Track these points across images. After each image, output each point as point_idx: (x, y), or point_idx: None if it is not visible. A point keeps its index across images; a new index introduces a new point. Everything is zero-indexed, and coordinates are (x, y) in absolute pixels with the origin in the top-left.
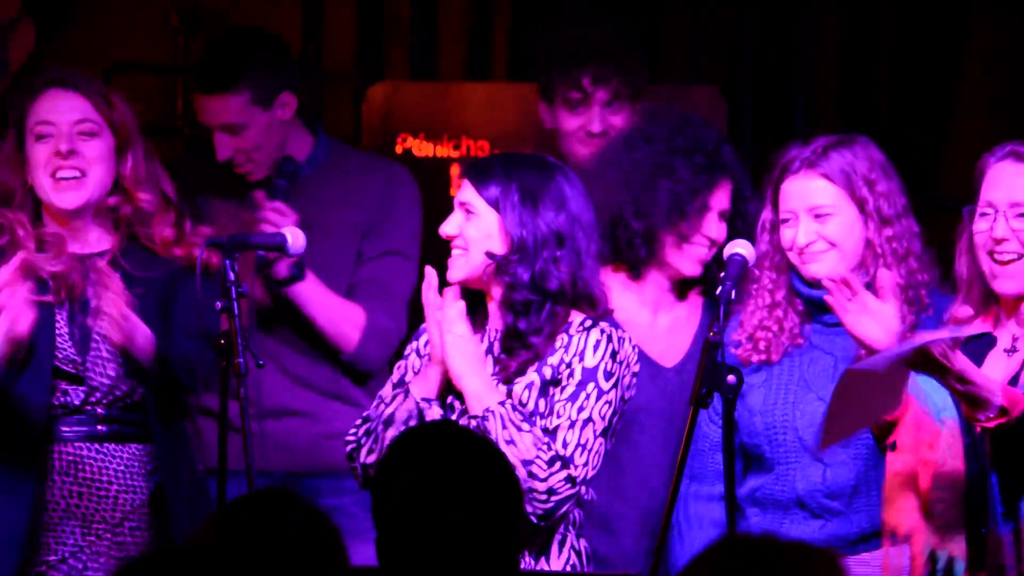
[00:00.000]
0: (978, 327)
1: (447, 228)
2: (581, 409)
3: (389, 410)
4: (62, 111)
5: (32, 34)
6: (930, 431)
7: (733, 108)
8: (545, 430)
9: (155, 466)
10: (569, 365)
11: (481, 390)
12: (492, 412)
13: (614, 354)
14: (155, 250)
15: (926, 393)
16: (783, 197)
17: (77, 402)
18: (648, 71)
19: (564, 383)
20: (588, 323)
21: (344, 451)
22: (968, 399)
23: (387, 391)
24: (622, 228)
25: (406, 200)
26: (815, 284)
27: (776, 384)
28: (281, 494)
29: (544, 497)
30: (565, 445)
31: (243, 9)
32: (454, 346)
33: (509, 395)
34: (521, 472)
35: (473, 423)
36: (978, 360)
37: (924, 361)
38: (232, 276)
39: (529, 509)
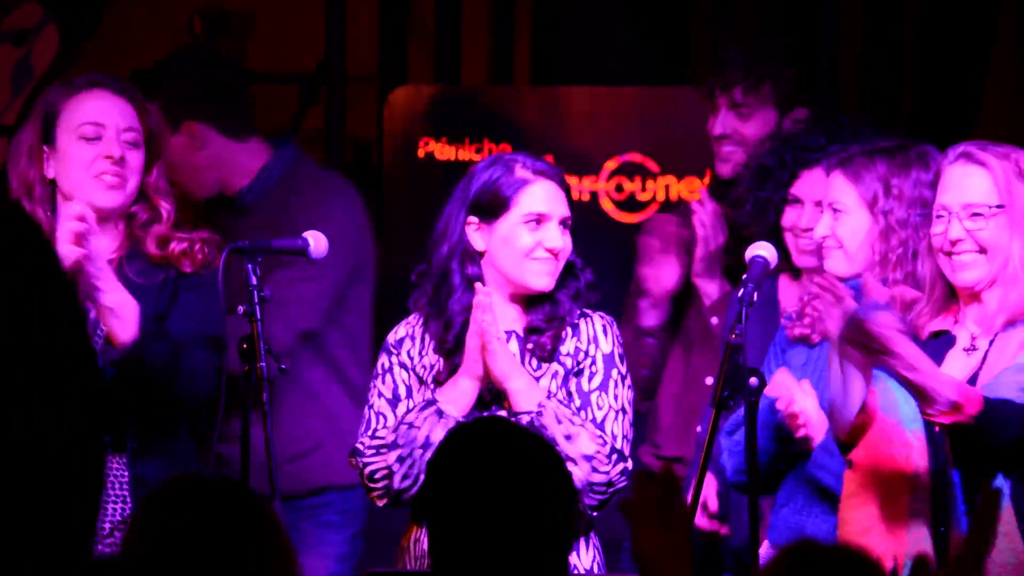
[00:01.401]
0: (938, 324)
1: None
2: (616, 398)
3: (423, 433)
4: (112, 115)
5: (56, 39)
6: (902, 442)
7: None
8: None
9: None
10: (587, 353)
11: (530, 387)
12: (545, 407)
13: (618, 339)
14: (153, 258)
15: (897, 404)
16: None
17: None
18: (800, 82)
19: (588, 372)
20: (582, 311)
21: (365, 477)
22: (917, 390)
23: (412, 415)
24: None
25: (338, 226)
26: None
27: (813, 368)
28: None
29: (603, 490)
30: (614, 437)
31: (266, 13)
32: (498, 351)
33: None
34: (584, 467)
35: (525, 420)
36: (938, 359)
37: (863, 338)
38: (254, 280)
39: (588, 502)
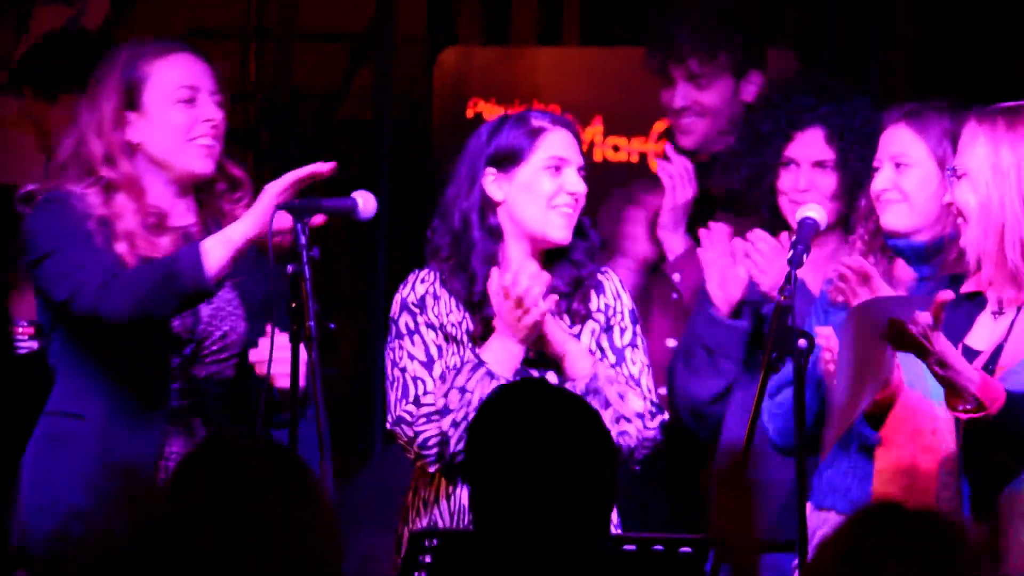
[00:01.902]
0: (972, 285)
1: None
2: (645, 352)
3: (477, 396)
4: (203, 78)
5: (107, 1)
6: (930, 417)
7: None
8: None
9: None
10: (616, 310)
11: (582, 353)
12: (598, 371)
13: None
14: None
15: (923, 376)
16: (880, 147)
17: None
18: (754, 54)
19: (618, 328)
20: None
21: (416, 444)
22: (948, 385)
23: (462, 378)
24: None
25: None
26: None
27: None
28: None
29: (651, 444)
30: (650, 391)
31: None
32: (547, 319)
33: None
34: (637, 424)
35: (581, 385)
36: (969, 321)
37: (901, 337)
38: (304, 240)
39: (638, 456)
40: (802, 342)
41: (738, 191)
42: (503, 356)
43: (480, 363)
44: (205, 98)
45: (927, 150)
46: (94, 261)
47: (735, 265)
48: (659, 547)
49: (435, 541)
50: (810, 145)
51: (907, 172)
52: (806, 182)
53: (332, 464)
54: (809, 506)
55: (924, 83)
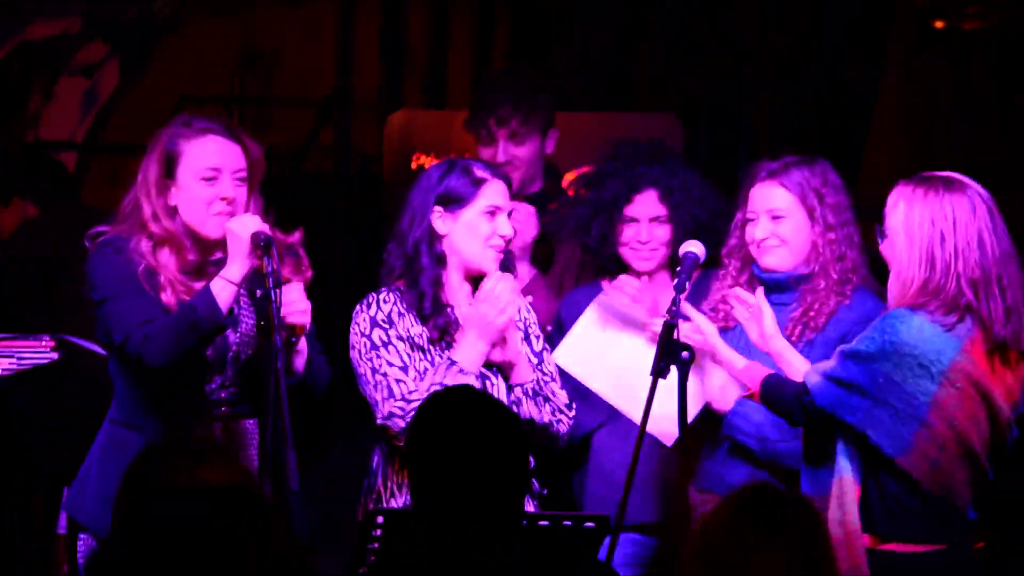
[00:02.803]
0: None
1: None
2: (550, 354)
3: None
4: (227, 158)
5: (117, 72)
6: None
7: (691, 132)
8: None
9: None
10: (529, 321)
11: (526, 360)
12: (539, 375)
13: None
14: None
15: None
16: (751, 200)
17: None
18: (552, 114)
19: (533, 336)
20: None
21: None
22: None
23: (439, 376)
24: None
25: None
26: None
27: (735, 346)
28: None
29: (568, 433)
30: (562, 387)
31: (289, 52)
32: (513, 335)
33: None
34: (567, 415)
35: (529, 387)
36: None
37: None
38: (270, 268)
39: (564, 440)
40: (684, 353)
41: (592, 248)
42: (472, 355)
43: (453, 362)
44: (226, 177)
45: (796, 201)
46: (142, 312)
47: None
48: (568, 523)
49: (382, 519)
50: (647, 204)
51: (782, 222)
52: (646, 234)
53: (296, 460)
54: (692, 489)
55: (779, 139)
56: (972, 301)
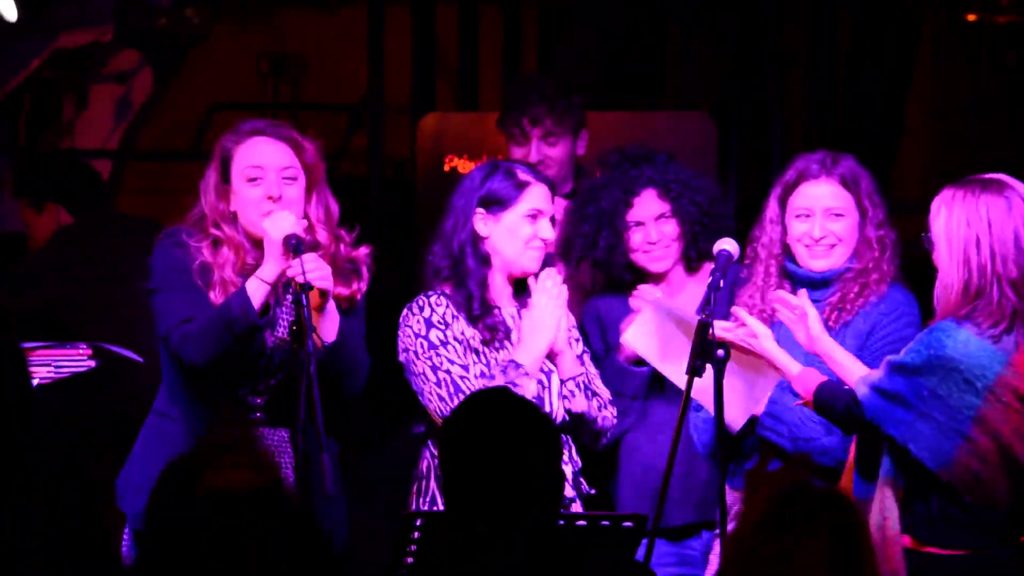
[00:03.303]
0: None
1: None
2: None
3: (522, 389)
4: (271, 157)
5: (150, 79)
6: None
7: (722, 129)
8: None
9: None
10: (570, 324)
11: (572, 354)
12: (586, 369)
13: None
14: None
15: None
16: (800, 197)
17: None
18: (584, 115)
19: (573, 339)
20: None
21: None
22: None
23: (511, 375)
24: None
25: None
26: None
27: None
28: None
29: (612, 429)
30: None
31: (319, 56)
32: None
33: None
34: (610, 410)
35: (578, 380)
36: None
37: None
38: (302, 270)
39: (611, 434)
40: (720, 352)
41: (601, 261)
42: (534, 355)
43: (517, 364)
44: (271, 176)
45: (853, 200)
46: (185, 310)
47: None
48: (606, 523)
49: (420, 521)
50: (649, 204)
51: (840, 220)
52: (655, 234)
53: (331, 463)
54: (728, 488)
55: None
56: (1016, 303)
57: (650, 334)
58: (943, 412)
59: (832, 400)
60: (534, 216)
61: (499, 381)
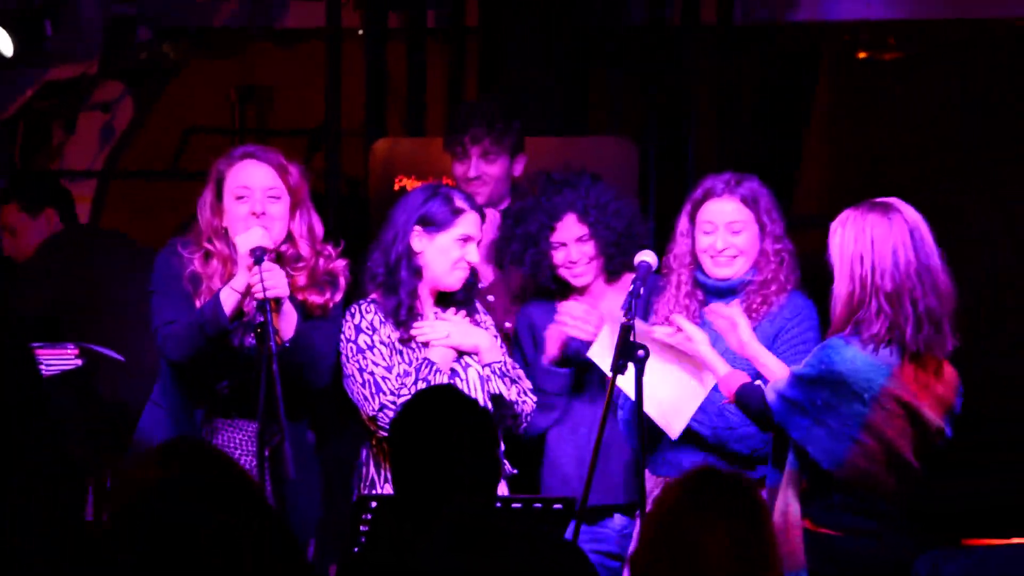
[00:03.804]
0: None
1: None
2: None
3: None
4: (256, 178)
5: (132, 107)
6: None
7: (642, 152)
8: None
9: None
10: (487, 324)
11: (492, 344)
12: (506, 357)
13: None
14: (292, 284)
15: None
16: (706, 213)
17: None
18: (522, 139)
19: (494, 335)
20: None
21: (377, 420)
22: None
23: (424, 374)
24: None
25: None
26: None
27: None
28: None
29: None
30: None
31: (282, 86)
32: (456, 326)
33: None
34: (531, 398)
35: (498, 368)
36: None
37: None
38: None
39: (527, 420)
40: (640, 352)
41: (528, 274)
42: (441, 355)
43: (431, 363)
44: (257, 194)
45: (751, 215)
46: (170, 313)
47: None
48: (538, 504)
49: (374, 504)
50: (569, 228)
51: (740, 234)
52: (576, 254)
53: (292, 453)
54: (648, 473)
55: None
56: (891, 315)
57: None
58: (835, 419)
59: (750, 400)
60: (464, 240)
61: (420, 376)
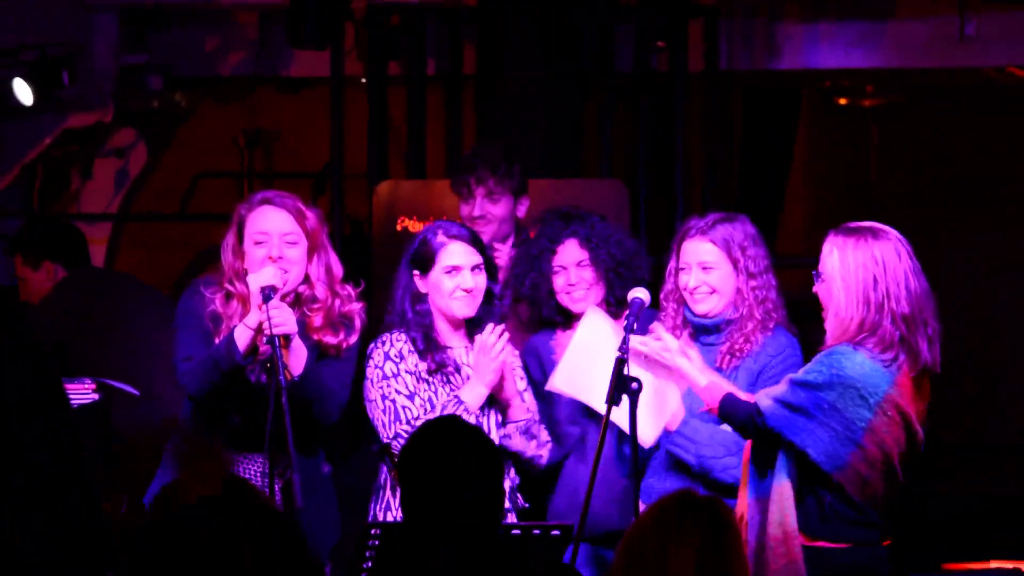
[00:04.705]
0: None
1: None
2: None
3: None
4: (274, 223)
5: (145, 153)
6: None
7: (633, 194)
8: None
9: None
10: (514, 365)
11: (521, 404)
12: (530, 416)
13: None
14: (311, 328)
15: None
16: (683, 253)
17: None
18: (525, 181)
19: (518, 377)
20: None
21: (390, 447)
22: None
23: (449, 408)
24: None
25: None
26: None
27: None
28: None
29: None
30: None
31: (288, 131)
32: (508, 374)
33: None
34: (545, 451)
35: (522, 425)
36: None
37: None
38: (269, 316)
39: (542, 469)
40: (634, 384)
41: (526, 296)
42: (474, 396)
43: (460, 401)
44: (275, 240)
45: (722, 254)
46: (189, 348)
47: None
48: (537, 531)
49: (377, 531)
50: (570, 252)
51: (711, 272)
52: (574, 277)
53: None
54: (641, 505)
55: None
56: (905, 333)
57: (573, 374)
58: (840, 423)
59: (734, 409)
60: (451, 271)
61: (438, 413)
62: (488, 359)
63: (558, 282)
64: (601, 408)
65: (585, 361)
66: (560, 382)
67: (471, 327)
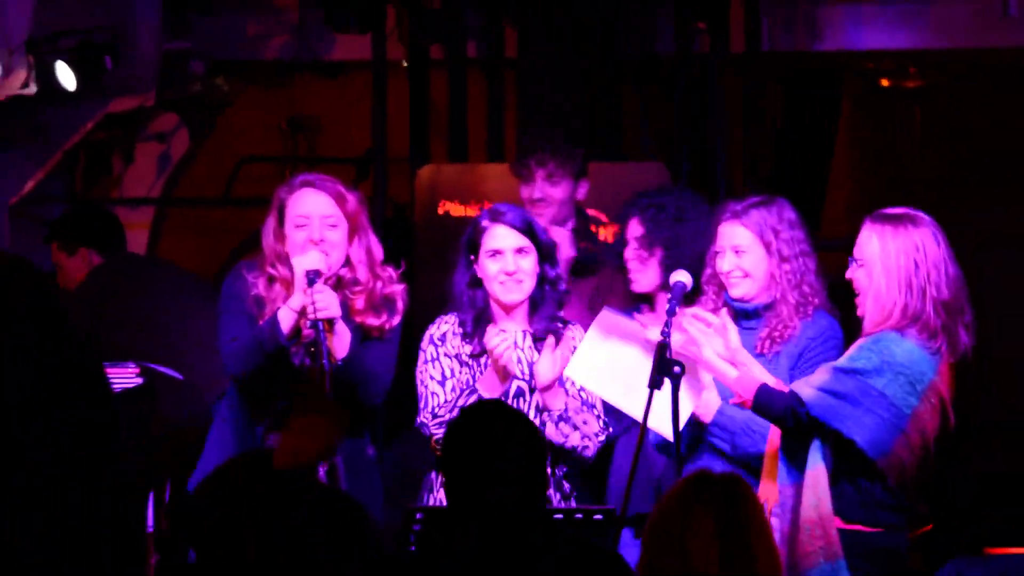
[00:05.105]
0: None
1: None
2: None
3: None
4: (315, 206)
5: (187, 137)
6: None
7: (675, 177)
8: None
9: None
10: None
11: (559, 391)
12: (567, 406)
13: None
14: (350, 307)
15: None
16: (719, 237)
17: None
18: (585, 165)
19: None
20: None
21: (434, 442)
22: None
23: (464, 399)
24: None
25: None
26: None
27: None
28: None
29: (598, 450)
30: (600, 414)
31: (330, 116)
32: (544, 360)
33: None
34: (595, 441)
35: (556, 415)
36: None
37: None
38: (314, 299)
39: (591, 461)
40: (676, 368)
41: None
42: (489, 386)
43: (474, 390)
44: (315, 223)
45: (755, 238)
46: (234, 330)
47: None
48: (579, 515)
49: (421, 515)
50: (633, 228)
51: (744, 256)
52: (633, 254)
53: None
54: None
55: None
56: (946, 320)
57: (591, 365)
58: (887, 409)
59: (770, 400)
60: (494, 254)
61: (461, 402)
62: (492, 359)
63: (626, 254)
64: (615, 402)
65: (601, 356)
66: (576, 372)
67: (533, 310)
